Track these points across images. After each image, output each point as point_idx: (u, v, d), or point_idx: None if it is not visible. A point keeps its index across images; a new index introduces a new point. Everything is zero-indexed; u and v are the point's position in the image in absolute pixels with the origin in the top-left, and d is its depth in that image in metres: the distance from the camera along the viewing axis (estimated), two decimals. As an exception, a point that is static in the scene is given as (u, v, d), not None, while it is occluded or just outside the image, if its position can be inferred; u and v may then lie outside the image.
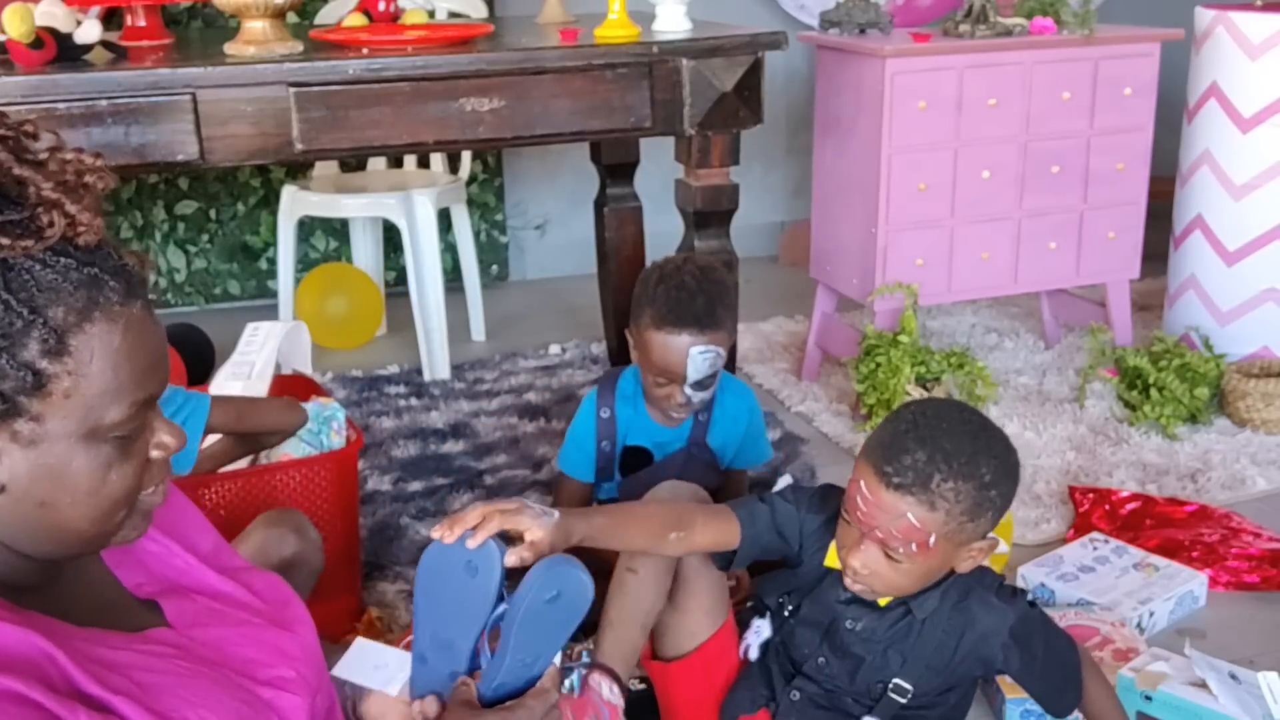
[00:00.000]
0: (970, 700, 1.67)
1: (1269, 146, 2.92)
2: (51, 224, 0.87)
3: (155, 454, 0.99)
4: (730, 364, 2.44)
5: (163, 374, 0.97)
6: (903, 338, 2.75)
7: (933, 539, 1.43)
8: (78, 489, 0.92)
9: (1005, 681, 1.79)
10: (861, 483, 1.44)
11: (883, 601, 1.55)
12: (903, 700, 1.56)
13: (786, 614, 1.63)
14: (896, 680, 1.56)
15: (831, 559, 1.56)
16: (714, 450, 2.12)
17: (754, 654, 1.67)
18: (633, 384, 2.09)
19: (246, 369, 2.06)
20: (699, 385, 1.97)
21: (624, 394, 2.10)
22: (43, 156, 0.91)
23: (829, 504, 1.60)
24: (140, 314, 0.93)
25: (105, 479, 0.93)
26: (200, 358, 3.15)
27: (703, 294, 1.96)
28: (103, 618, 1.01)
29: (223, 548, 1.18)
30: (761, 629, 1.67)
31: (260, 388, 2.05)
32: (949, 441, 1.43)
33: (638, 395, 2.08)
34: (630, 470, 2.11)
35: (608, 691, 1.55)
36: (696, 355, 1.94)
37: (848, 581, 1.51)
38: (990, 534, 1.50)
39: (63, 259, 0.88)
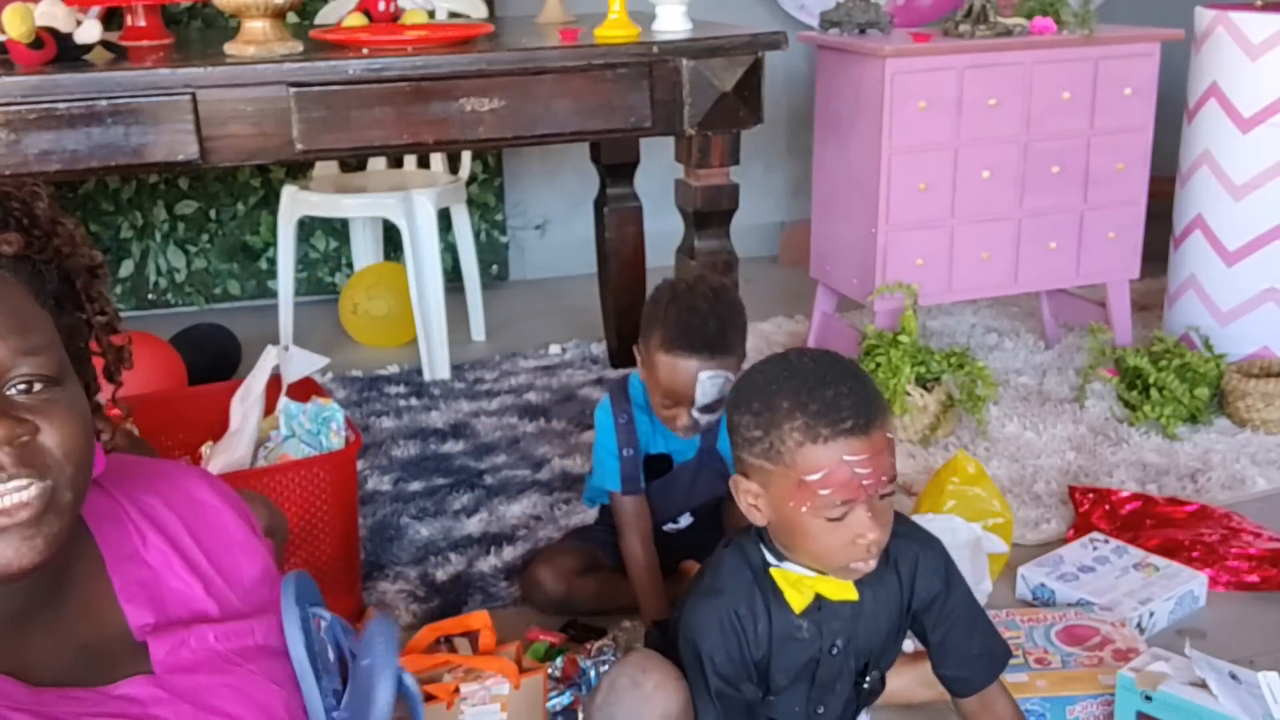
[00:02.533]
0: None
1: (1269, 146, 2.91)
2: None
3: None
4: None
5: None
6: (903, 338, 2.75)
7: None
8: None
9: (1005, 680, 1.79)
10: (846, 456, 1.33)
11: (849, 594, 1.48)
12: (876, 685, 1.55)
13: (760, 698, 1.51)
14: (871, 673, 1.54)
15: (799, 599, 1.46)
16: (724, 457, 2.12)
17: None
18: (643, 392, 2.07)
19: (246, 391, 2.09)
20: (707, 409, 1.93)
21: (637, 402, 2.06)
22: None
23: (730, 585, 1.47)
24: None
25: None
26: (226, 359, 3.16)
27: (714, 317, 1.90)
28: (84, 659, 0.97)
29: (270, 577, 1.13)
30: None
31: (255, 411, 2.07)
32: (833, 367, 1.39)
33: (649, 402, 2.07)
34: (651, 479, 2.10)
35: None
36: (705, 380, 1.89)
37: (861, 566, 1.41)
38: None
39: None
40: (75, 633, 0.98)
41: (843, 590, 1.46)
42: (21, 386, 0.89)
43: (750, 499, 1.43)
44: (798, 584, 1.46)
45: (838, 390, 1.34)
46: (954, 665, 1.55)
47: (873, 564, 1.41)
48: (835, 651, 1.49)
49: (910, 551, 1.50)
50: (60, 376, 0.92)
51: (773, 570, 1.46)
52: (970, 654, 1.55)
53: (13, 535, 0.88)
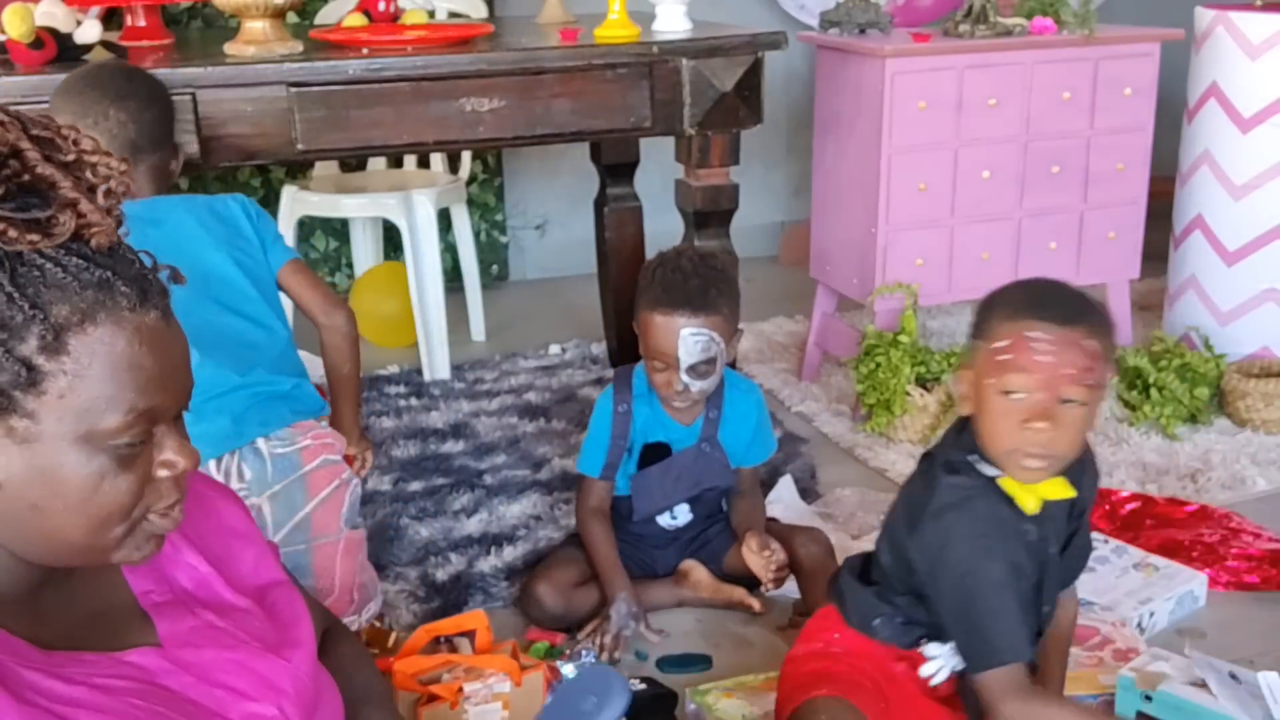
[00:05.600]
0: None
1: (1269, 146, 2.91)
2: (61, 223, 0.87)
3: (161, 473, 0.95)
4: (730, 364, 2.44)
5: (178, 389, 0.95)
6: (903, 338, 2.75)
7: (1104, 373, 1.45)
8: (69, 495, 0.90)
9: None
10: (1028, 334, 1.41)
11: (1066, 491, 1.50)
12: None
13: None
14: None
15: (1031, 501, 1.50)
16: (725, 448, 2.13)
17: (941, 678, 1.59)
18: (645, 381, 2.11)
19: None
20: (694, 371, 1.99)
21: (639, 391, 2.11)
22: (69, 158, 0.90)
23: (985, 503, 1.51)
24: (155, 323, 0.92)
25: (97, 489, 0.91)
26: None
27: (698, 277, 2.00)
28: (93, 626, 1.00)
29: (264, 561, 1.17)
30: (945, 656, 1.58)
31: None
32: (1070, 287, 1.49)
33: (652, 393, 2.10)
34: (647, 466, 2.13)
35: None
36: (688, 336, 1.97)
37: (1032, 471, 1.46)
38: None
39: (75, 258, 0.88)
40: (85, 600, 1.01)
41: (1062, 488, 1.50)
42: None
43: (964, 387, 1.51)
44: (1025, 486, 1.50)
45: (1058, 292, 1.46)
46: (1075, 556, 1.60)
47: (1035, 471, 1.47)
48: (1053, 551, 1.54)
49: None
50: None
51: (1000, 481, 1.51)
52: (1085, 546, 1.61)
53: (151, 545, 0.98)
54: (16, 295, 0.86)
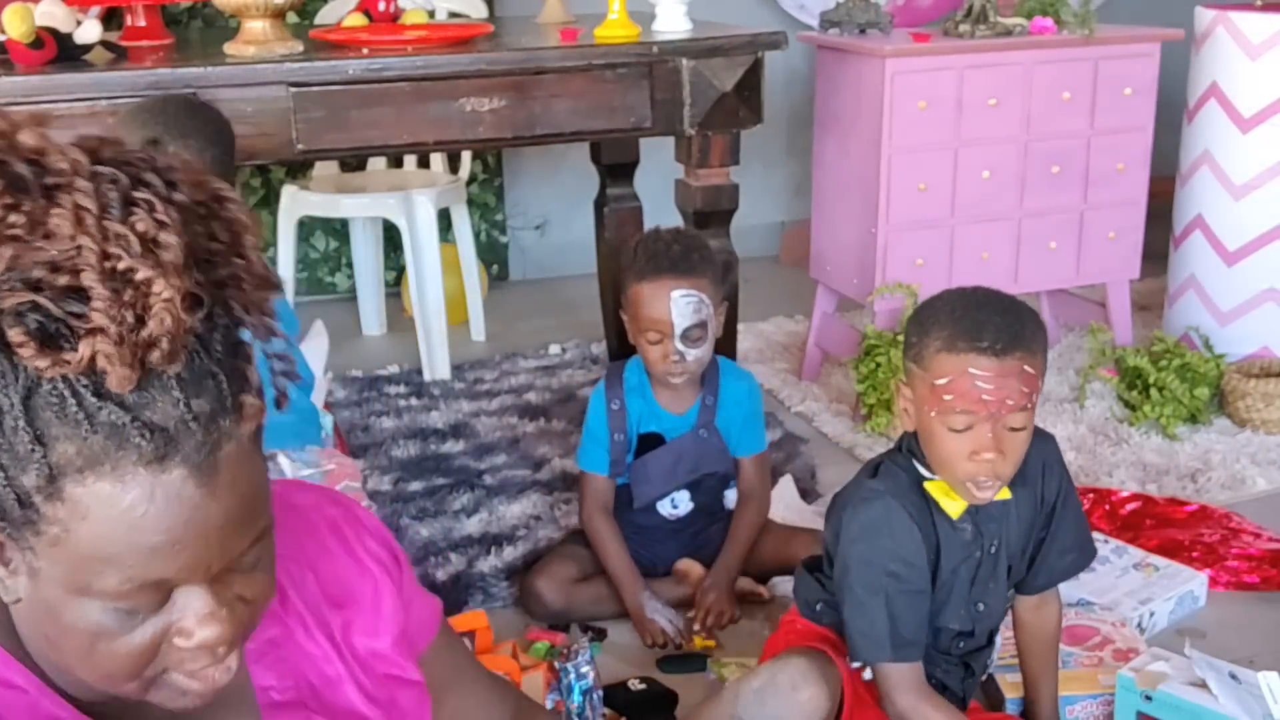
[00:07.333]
0: None
1: (1269, 146, 2.91)
2: (76, 352, 0.71)
3: (179, 642, 0.80)
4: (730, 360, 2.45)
5: (205, 555, 0.77)
6: (902, 338, 2.75)
7: (1041, 382, 1.47)
8: (66, 642, 0.79)
9: (1005, 680, 1.79)
10: (971, 370, 1.43)
11: (1003, 494, 1.53)
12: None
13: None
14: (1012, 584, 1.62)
15: (956, 507, 1.53)
16: (723, 434, 2.15)
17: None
18: (637, 374, 2.13)
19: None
20: (688, 338, 2.03)
21: (630, 385, 2.14)
22: (121, 265, 0.72)
23: (896, 490, 1.54)
24: (179, 483, 0.74)
25: (92, 646, 0.78)
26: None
27: (678, 244, 2.08)
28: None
29: (404, 644, 1.03)
30: None
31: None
32: (999, 300, 1.50)
33: (644, 384, 2.13)
34: (643, 454, 2.15)
35: None
36: (679, 298, 2.01)
37: (983, 495, 1.49)
38: None
39: (92, 395, 0.72)
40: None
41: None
42: (248, 559, 0.82)
43: (904, 403, 1.54)
44: (950, 492, 1.53)
45: (989, 314, 1.46)
46: (1053, 556, 1.61)
47: (987, 493, 1.49)
48: (994, 550, 1.56)
49: (1036, 448, 1.55)
50: (269, 525, 0.83)
51: (926, 484, 1.54)
52: (1066, 547, 1.62)
53: (187, 699, 0.84)
54: (23, 422, 0.72)
